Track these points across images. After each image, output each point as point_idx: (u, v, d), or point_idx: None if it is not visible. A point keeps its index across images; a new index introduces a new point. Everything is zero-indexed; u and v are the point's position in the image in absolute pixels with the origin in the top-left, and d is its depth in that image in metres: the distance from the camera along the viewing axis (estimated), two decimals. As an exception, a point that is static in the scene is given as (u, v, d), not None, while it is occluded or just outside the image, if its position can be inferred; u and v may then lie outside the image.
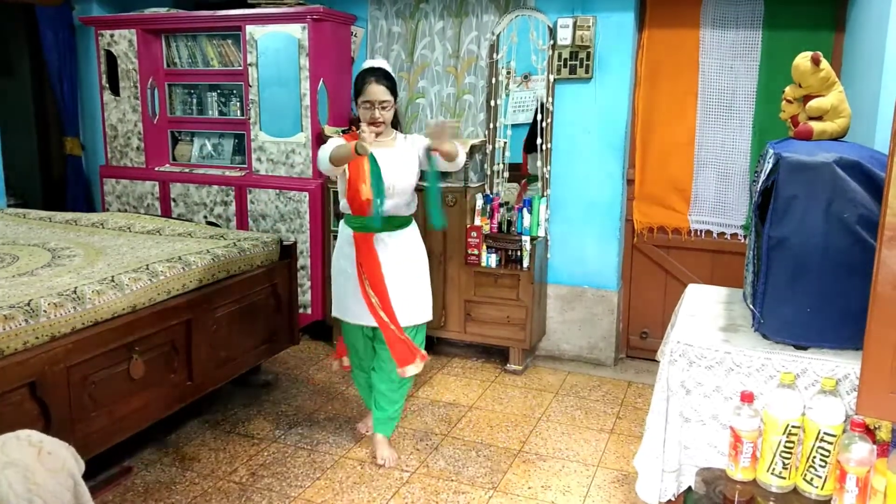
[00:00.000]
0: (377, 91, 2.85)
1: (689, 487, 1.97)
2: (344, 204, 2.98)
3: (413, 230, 3.06)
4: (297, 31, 4.17)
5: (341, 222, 3.05)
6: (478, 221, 4.03)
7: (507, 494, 2.85)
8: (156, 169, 4.76)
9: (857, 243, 1.74)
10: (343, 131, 4.25)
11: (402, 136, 3.01)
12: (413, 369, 2.96)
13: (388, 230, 2.94)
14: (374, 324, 2.94)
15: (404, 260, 2.99)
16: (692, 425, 1.96)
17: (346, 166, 2.84)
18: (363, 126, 2.77)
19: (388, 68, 2.97)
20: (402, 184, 2.92)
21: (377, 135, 2.82)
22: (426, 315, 3.08)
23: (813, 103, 1.96)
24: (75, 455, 1.76)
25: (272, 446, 3.20)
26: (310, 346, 4.43)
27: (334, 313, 3.14)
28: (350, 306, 3.01)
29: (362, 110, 2.88)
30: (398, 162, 2.92)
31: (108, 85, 4.77)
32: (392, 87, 2.91)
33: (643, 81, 4.04)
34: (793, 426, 1.76)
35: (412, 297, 3.00)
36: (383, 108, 2.86)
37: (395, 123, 3.03)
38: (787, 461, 1.78)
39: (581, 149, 4.11)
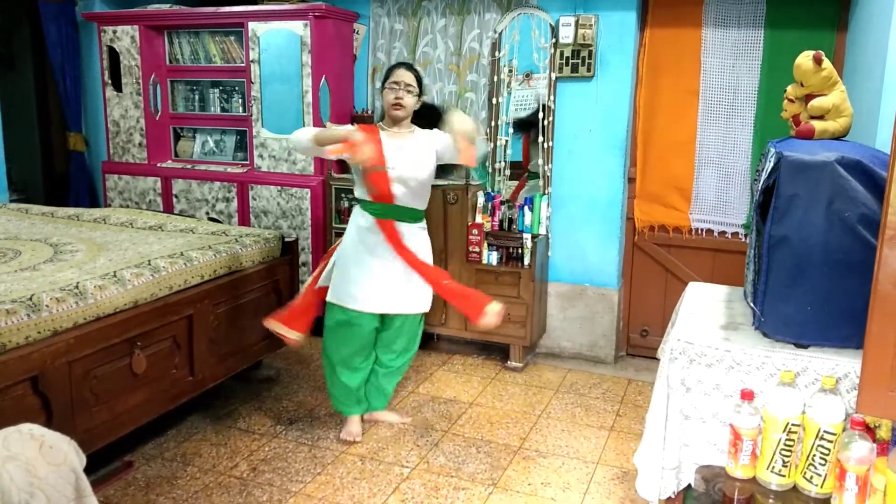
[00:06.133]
0: (404, 74, 2.93)
1: (689, 485, 1.97)
2: (362, 191, 2.97)
3: (423, 226, 3.12)
4: (299, 28, 4.17)
5: (357, 210, 3.03)
6: (479, 219, 4.04)
7: (507, 491, 2.86)
8: (158, 165, 4.77)
9: (858, 242, 1.74)
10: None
11: (421, 131, 3.03)
12: (492, 317, 2.89)
13: (403, 220, 2.99)
14: (390, 310, 3.03)
15: (413, 251, 3.01)
16: (692, 423, 1.96)
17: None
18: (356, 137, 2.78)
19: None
20: (415, 176, 2.94)
21: (398, 119, 2.95)
22: (425, 305, 3.13)
23: (815, 102, 1.96)
24: (77, 449, 1.77)
25: (273, 441, 3.21)
26: (311, 342, 4.42)
27: (344, 303, 2.99)
28: (367, 295, 2.97)
29: (387, 92, 2.93)
30: (412, 154, 2.95)
31: (110, 81, 4.78)
32: (418, 79, 2.98)
33: (645, 80, 4.04)
34: (793, 424, 1.76)
35: (414, 287, 3.04)
36: (408, 91, 2.91)
37: (432, 123, 3.03)
38: (786, 459, 1.78)
39: (582, 147, 4.11)
